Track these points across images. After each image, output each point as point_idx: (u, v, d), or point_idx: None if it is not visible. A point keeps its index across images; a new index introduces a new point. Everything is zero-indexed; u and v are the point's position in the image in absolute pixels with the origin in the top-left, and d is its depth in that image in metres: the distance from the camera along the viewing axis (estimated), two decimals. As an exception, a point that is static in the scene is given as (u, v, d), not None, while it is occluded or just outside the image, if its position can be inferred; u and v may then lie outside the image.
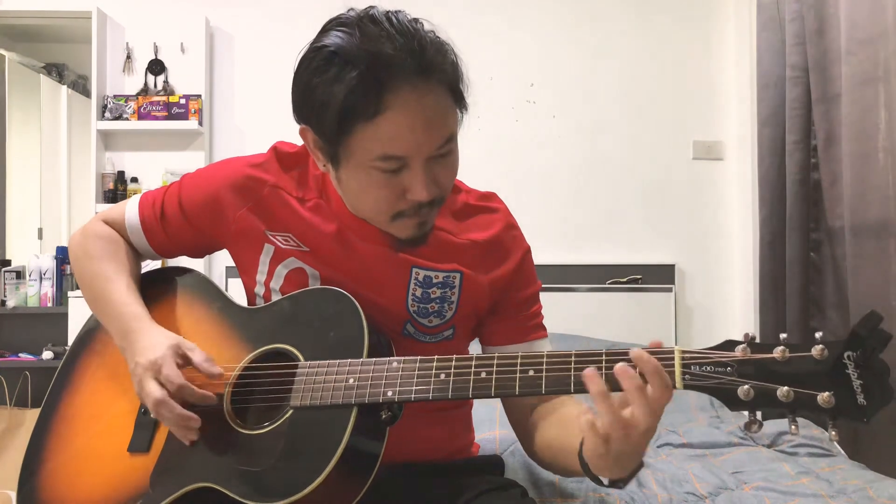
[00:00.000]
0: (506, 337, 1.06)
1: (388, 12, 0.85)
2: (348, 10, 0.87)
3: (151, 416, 0.93)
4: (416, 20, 0.86)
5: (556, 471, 1.01)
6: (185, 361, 0.94)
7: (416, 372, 0.85)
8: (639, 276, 2.91)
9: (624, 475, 0.79)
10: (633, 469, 0.79)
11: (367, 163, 0.86)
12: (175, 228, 1.10)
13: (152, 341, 0.95)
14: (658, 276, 2.93)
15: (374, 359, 0.87)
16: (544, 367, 0.80)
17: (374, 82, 0.81)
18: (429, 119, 0.84)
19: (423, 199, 0.87)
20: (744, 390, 0.70)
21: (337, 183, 0.95)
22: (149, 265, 1.20)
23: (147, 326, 0.98)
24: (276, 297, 1.03)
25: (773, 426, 1.80)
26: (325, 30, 0.87)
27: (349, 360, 0.88)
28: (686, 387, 0.72)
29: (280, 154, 1.05)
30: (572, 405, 0.99)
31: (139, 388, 0.93)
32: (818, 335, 0.70)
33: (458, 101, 0.89)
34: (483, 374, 0.82)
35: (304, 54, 0.88)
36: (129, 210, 1.12)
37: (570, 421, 0.93)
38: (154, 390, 0.90)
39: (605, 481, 0.81)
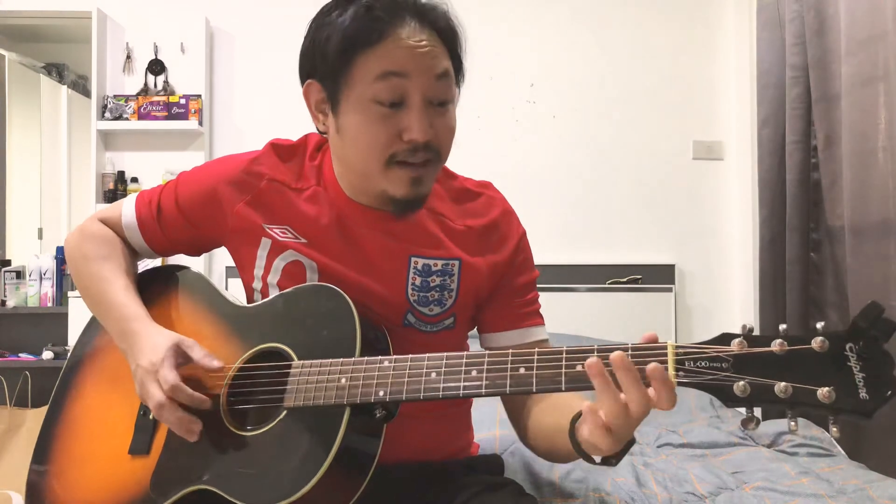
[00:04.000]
0: (502, 323, 1.06)
1: None
2: None
3: (152, 417, 0.93)
4: None
5: (551, 457, 1.00)
6: (185, 360, 0.93)
7: (408, 371, 0.84)
8: (639, 276, 2.90)
9: (616, 450, 0.79)
10: (624, 445, 0.79)
11: (368, 93, 0.90)
12: (172, 226, 1.09)
13: (153, 342, 0.94)
14: (658, 276, 2.92)
15: (366, 358, 0.87)
16: (535, 364, 0.79)
17: (376, 12, 0.89)
18: (427, 50, 0.90)
19: (419, 139, 0.89)
20: (740, 386, 0.67)
21: (336, 137, 0.96)
22: (147, 263, 1.20)
23: (146, 327, 0.98)
24: (273, 292, 1.03)
25: (773, 426, 1.79)
26: None
27: (341, 359, 0.87)
28: (679, 384, 0.70)
29: (276, 147, 1.06)
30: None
31: (141, 390, 0.93)
32: (819, 325, 0.66)
33: (456, 67, 0.95)
34: (473, 373, 0.81)
35: (315, 16, 0.95)
36: (126, 209, 1.12)
37: (563, 405, 0.93)
38: (155, 393, 0.90)
39: (598, 459, 0.81)
